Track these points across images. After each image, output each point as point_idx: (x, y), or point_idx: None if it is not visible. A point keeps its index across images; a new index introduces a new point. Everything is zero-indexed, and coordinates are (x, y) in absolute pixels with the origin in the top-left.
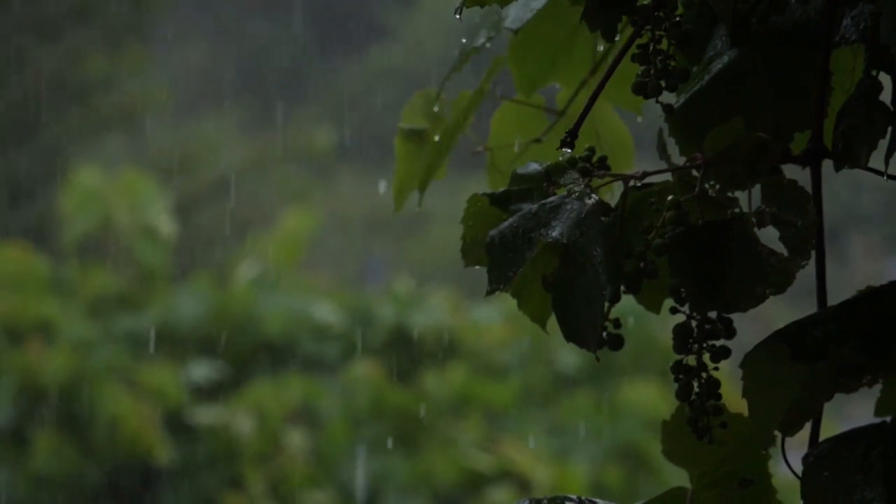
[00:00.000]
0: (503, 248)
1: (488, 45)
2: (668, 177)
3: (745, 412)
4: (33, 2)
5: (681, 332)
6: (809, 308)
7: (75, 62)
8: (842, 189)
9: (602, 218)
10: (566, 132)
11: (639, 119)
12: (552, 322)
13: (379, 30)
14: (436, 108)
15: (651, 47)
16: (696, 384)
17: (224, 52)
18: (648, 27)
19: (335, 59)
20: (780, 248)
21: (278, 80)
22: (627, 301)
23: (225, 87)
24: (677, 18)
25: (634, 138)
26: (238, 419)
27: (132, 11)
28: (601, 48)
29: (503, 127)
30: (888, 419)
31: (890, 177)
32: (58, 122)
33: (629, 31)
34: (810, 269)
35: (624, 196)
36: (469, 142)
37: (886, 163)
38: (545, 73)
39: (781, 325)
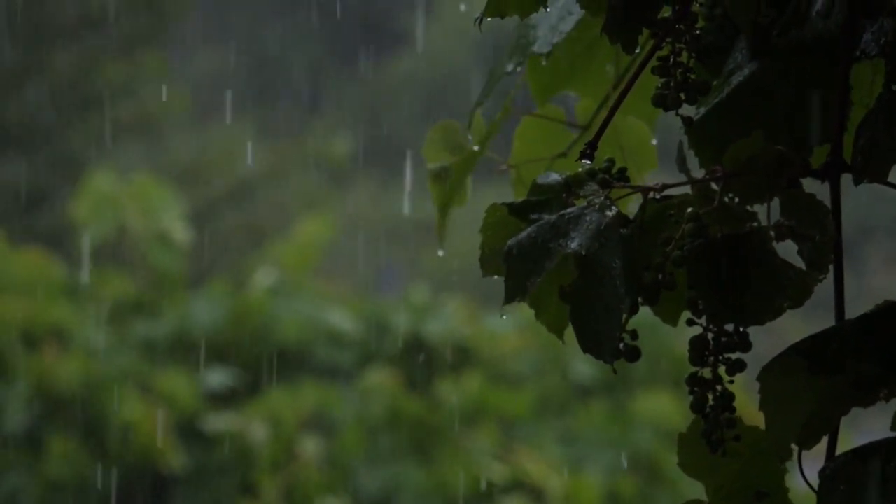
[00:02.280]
0: (521, 258)
1: (518, 69)
2: (687, 189)
3: (762, 425)
4: (50, 9)
5: (697, 345)
6: (823, 321)
7: (92, 69)
8: (858, 202)
9: (621, 230)
10: (586, 143)
11: (653, 140)
12: (569, 333)
13: (397, 39)
14: (469, 138)
15: (671, 60)
16: (710, 397)
17: (241, 59)
18: (669, 40)
19: (353, 68)
20: (798, 262)
21: (296, 88)
22: (642, 311)
23: (242, 94)
24: (698, 31)
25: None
26: (252, 426)
27: (149, 19)
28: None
29: (526, 142)
30: None
31: None
32: (75, 129)
33: (650, 43)
34: (825, 281)
35: (643, 208)
36: (490, 156)
37: None
38: (560, 82)
39: (796, 338)
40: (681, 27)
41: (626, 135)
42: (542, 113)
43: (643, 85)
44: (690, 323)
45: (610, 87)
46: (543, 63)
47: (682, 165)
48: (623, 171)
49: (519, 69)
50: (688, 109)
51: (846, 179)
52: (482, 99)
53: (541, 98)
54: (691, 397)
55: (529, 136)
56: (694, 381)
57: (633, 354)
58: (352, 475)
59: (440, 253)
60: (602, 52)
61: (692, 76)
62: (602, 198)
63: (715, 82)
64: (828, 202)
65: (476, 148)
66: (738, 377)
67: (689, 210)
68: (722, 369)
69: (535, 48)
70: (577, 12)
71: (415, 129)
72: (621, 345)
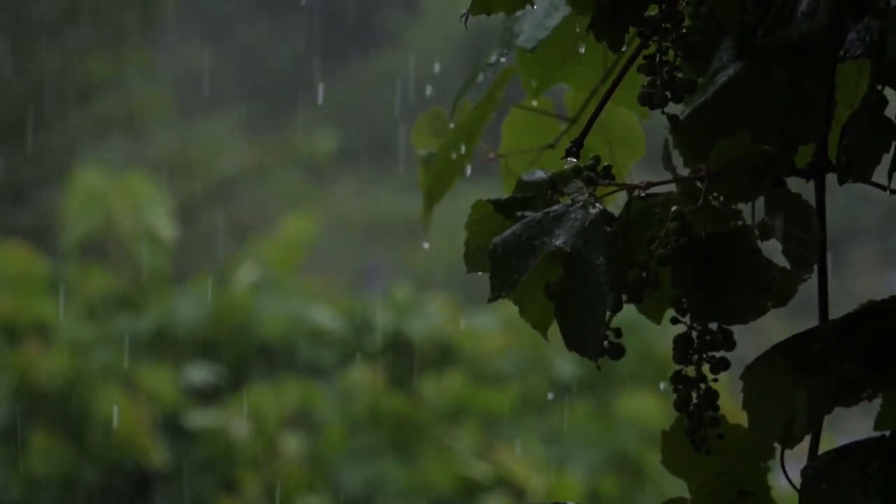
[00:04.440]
0: (506, 256)
1: (502, 59)
2: (672, 188)
3: (745, 424)
4: (34, 4)
5: (681, 343)
6: (807, 321)
7: (78, 64)
8: (841, 203)
9: (606, 227)
10: (571, 141)
11: (640, 129)
12: (552, 330)
13: (381, 35)
14: (451, 126)
15: (658, 58)
16: (694, 395)
17: (226, 55)
18: (655, 38)
19: (337, 64)
20: (783, 261)
21: (280, 84)
22: (625, 310)
23: (227, 90)
24: (684, 30)
25: None
26: (235, 423)
27: (135, 14)
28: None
29: (514, 132)
30: (887, 433)
31: (892, 191)
32: (60, 124)
33: (637, 40)
34: (809, 282)
35: (628, 206)
36: (478, 148)
37: (890, 177)
38: (553, 74)
39: (778, 338)
40: (667, 26)
41: (612, 126)
42: (532, 104)
43: (633, 79)
44: (675, 321)
45: (598, 82)
46: (528, 54)
47: (668, 164)
48: (608, 168)
49: (503, 60)
50: (674, 108)
51: (831, 179)
52: (464, 89)
53: (533, 91)
54: (675, 395)
55: (518, 127)
56: (678, 379)
57: (617, 352)
58: (334, 472)
59: (425, 245)
60: (592, 43)
61: (678, 75)
62: (587, 195)
63: (700, 81)
64: (813, 202)
65: (451, 126)
66: (721, 377)
67: (674, 209)
68: (706, 368)
69: (521, 42)
70: (563, 8)
71: (398, 127)
72: (605, 342)
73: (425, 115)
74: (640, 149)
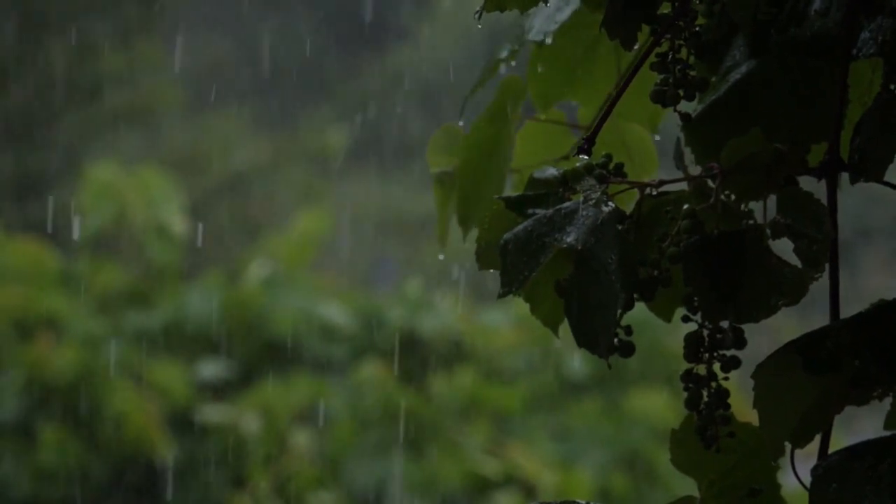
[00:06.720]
0: (517, 252)
1: (513, 62)
2: (684, 186)
3: (755, 422)
4: None
5: (692, 341)
6: (817, 320)
7: (89, 58)
8: (852, 202)
9: (617, 225)
10: (583, 138)
11: (656, 137)
12: (563, 328)
13: (395, 31)
14: (461, 123)
15: (670, 56)
16: (705, 393)
17: (239, 49)
18: (668, 36)
19: (350, 60)
20: (795, 260)
21: (293, 79)
22: (635, 308)
23: (239, 85)
24: (697, 28)
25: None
26: (245, 418)
27: (146, 7)
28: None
29: (528, 145)
30: None
31: None
32: (72, 118)
33: (651, 42)
34: (820, 282)
35: (639, 204)
36: None
37: None
38: (561, 88)
39: (789, 337)
40: (680, 23)
41: (629, 137)
42: (545, 116)
43: (646, 85)
44: (686, 319)
45: (612, 89)
46: (541, 46)
47: (679, 162)
48: (620, 166)
49: (514, 61)
50: (686, 106)
51: (843, 178)
52: (477, 86)
53: (542, 105)
54: (686, 393)
55: (532, 140)
56: (689, 377)
57: (628, 350)
58: (344, 468)
59: (440, 256)
60: (603, 55)
61: (691, 73)
62: (599, 193)
63: (713, 79)
64: (825, 201)
65: (461, 123)
66: (731, 375)
67: (686, 207)
68: (717, 366)
69: (531, 36)
70: (574, 2)
71: (411, 124)
72: (616, 340)
73: (440, 131)
74: (653, 168)
